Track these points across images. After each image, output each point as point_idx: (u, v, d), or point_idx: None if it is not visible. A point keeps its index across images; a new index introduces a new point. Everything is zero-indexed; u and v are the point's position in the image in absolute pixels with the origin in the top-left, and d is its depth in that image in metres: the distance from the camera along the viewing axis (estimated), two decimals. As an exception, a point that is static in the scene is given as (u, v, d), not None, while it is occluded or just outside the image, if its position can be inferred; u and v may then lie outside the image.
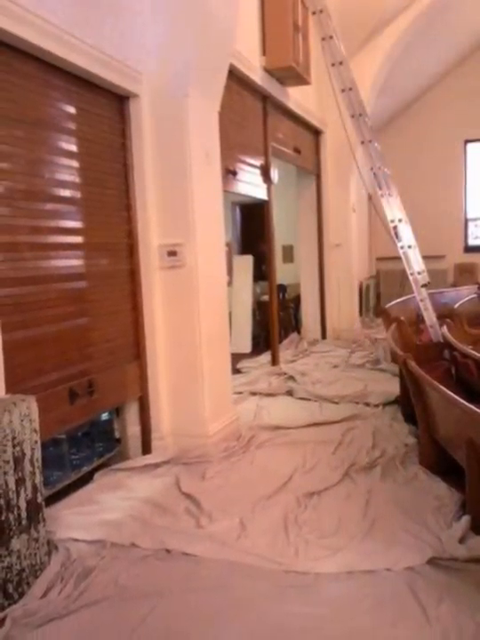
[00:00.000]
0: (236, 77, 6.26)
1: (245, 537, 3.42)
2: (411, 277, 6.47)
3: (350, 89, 6.60)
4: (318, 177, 9.89)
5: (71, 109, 4.07)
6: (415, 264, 6.50)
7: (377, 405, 5.98)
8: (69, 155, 4.05)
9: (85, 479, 4.31)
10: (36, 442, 2.98)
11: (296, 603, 2.79)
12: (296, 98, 8.14)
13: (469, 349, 5.17)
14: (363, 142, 6.68)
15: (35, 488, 2.96)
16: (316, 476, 4.27)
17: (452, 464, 3.81)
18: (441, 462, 4.10)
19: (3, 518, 2.74)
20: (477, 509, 3.34)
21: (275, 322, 8.02)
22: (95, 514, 3.72)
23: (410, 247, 6.52)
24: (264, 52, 6.90)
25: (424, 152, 13.05)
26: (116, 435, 4.94)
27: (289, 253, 11.45)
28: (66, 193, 4.01)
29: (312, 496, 3.92)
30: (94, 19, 4.03)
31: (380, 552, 3.17)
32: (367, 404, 6.06)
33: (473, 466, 3.30)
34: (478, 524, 3.29)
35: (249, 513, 3.70)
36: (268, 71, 7.02)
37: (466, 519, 3.34)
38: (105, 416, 4.84)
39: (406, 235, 6.58)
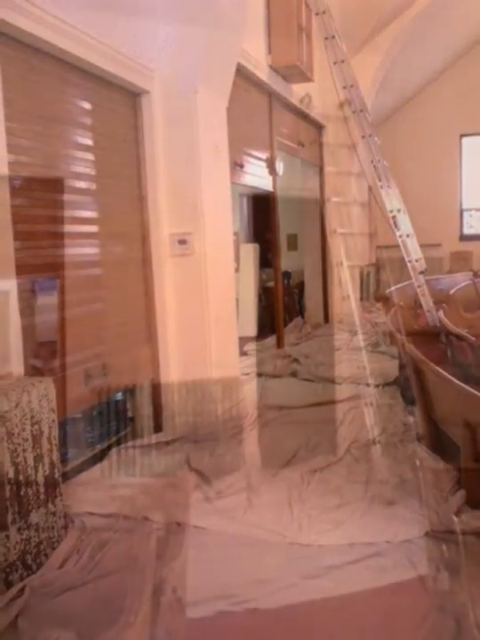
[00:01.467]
0: (243, 75, 6.18)
1: (252, 511, 3.40)
2: (409, 264, 6.40)
3: (351, 86, 6.52)
4: (321, 169, 9.79)
5: (86, 105, 4.02)
6: (413, 252, 6.43)
7: (377, 386, 5.94)
8: (85, 148, 4.01)
9: (100, 456, 4.29)
10: (53, 420, 2.95)
11: (300, 573, 2.76)
12: (300, 94, 8.03)
13: (464, 333, 5.11)
14: (363, 136, 6.59)
15: (52, 464, 2.94)
16: (318, 453, 4.24)
17: (448, 442, 3.77)
18: (438, 440, 4.06)
19: (22, 493, 2.72)
20: (472, 485, 3.31)
21: (280, 307, 7.97)
22: (109, 489, 3.70)
23: (408, 236, 6.45)
24: (270, 51, 6.83)
25: (421, 146, 12.91)
26: (129, 414, 4.92)
27: (293, 242, 11.35)
28: (81, 184, 3.97)
29: (315, 473, 3.89)
30: (109, 19, 3.98)
31: (379, 525, 3.16)
32: (368, 385, 6.01)
33: (468, 443, 3.27)
34: (473, 499, 3.26)
35: (255, 489, 3.67)
36: (274, 69, 6.95)
37: (461, 494, 3.32)
38: (118, 396, 4.81)
39: (405, 224, 6.51)
